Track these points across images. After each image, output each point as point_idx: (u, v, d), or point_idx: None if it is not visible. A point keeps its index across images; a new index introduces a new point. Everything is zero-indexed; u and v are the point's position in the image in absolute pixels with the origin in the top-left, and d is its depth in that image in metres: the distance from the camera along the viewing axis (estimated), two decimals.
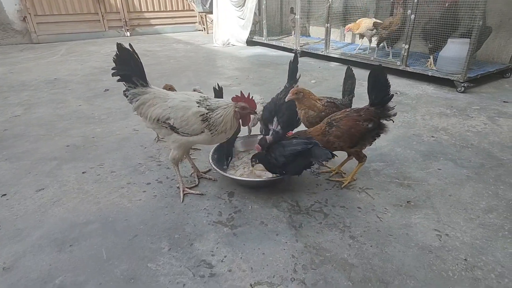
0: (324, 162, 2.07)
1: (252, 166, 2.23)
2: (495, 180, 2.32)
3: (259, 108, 2.54)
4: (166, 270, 1.62)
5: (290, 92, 2.34)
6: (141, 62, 1.99)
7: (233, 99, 2.00)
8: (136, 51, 1.95)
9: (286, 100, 2.35)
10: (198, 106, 1.96)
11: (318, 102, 2.36)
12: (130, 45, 1.95)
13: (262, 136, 2.34)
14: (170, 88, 2.83)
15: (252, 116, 2.13)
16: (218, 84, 2.48)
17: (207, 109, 1.96)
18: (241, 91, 2.03)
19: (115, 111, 3.83)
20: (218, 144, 2.54)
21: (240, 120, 2.05)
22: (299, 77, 2.71)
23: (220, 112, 1.96)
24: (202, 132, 1.97)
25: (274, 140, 2.17)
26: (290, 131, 2.23)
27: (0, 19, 8.57)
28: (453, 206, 2.06)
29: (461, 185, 2.28)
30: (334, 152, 2.03)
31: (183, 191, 2.19)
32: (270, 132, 2.35)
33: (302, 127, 2.36)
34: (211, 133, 1.97)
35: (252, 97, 2.00)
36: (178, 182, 2.22)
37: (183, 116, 1.94)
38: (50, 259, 1.69)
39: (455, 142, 2.91)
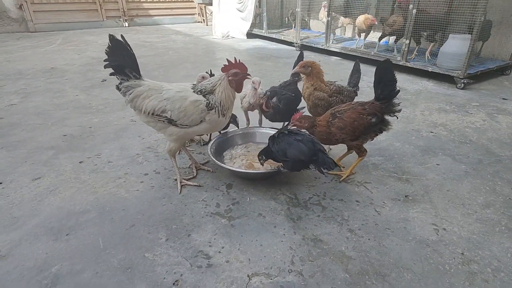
0: (325, 172, 1.98)
1: (262, 164, 2.20)
2: (492, 176, 2.33)
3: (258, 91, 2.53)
4: (163, 260, 1.61)
5: (298, 65, 2.31)
6: (134, 54, 1.95)
7: (222, 69, 1.97)
8: (134, 42, 1.94)
9: (292, 72, 2.32)
10: (198, 94, 1.93)
11: (327, 86, 2.36)
12: (122, 36, 1.91)
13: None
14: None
15: (247, 79, 2.11)
16: (211, 70, 2.48)
17: (205, 93, 1.93)
18: (227, 59, 2.00)
19: (112, 102, 3.79)
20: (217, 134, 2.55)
21: (236, 89, 2.02)
22: None
23: (219, 89, 1.93)
24: (202, 121, 1.94)
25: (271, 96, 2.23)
26: (300, 112, 2.17)
27: None
28: (451, 201, 2.06)
29: (459, 180, 2.28)
30: (333, 146, 2.01)
31: (181, 182, 2.18)
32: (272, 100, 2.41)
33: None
34: (225, 117, 1.98)
35: (239, 60, 1.96)
36: (175, 173, 2.21)
37: (180, 107, 1.91)
38: (46, 248, 1.68)
39: (453, 138, 2.91)
